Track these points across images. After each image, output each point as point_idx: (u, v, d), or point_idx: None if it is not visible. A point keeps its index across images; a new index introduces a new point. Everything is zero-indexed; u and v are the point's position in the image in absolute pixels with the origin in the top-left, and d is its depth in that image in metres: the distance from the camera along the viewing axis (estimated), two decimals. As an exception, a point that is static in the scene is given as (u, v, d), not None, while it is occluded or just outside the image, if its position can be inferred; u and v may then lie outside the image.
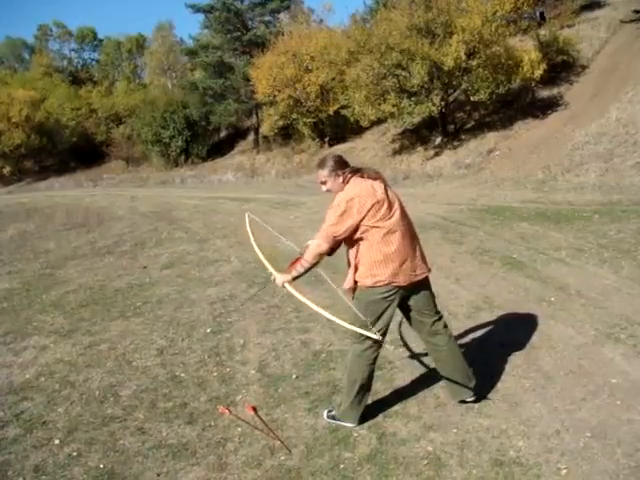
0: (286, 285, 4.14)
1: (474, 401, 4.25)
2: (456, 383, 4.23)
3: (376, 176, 4.07)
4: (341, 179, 4.00)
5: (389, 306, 3.98)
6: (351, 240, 3.95)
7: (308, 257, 3.96)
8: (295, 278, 4.08)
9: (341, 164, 4.05)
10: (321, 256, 3.96)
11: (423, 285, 4.13)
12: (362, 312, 3.92)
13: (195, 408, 4.61)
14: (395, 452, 3.75)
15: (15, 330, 7.16)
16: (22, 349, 6.45)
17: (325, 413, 4.25)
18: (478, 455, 3.64)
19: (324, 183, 4.08)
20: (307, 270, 4.02)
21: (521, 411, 4.11)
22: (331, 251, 3.99)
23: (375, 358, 4.12)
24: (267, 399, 4.63)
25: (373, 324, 3.91)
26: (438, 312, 4.25)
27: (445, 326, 4.24)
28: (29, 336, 6.88)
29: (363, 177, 4.02)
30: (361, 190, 3.90)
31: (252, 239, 4.98)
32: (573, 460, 3.52)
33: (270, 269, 4.32)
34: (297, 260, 4.12)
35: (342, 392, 4.25)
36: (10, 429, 4.56)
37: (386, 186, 4.06)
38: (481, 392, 4.32)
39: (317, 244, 3.92)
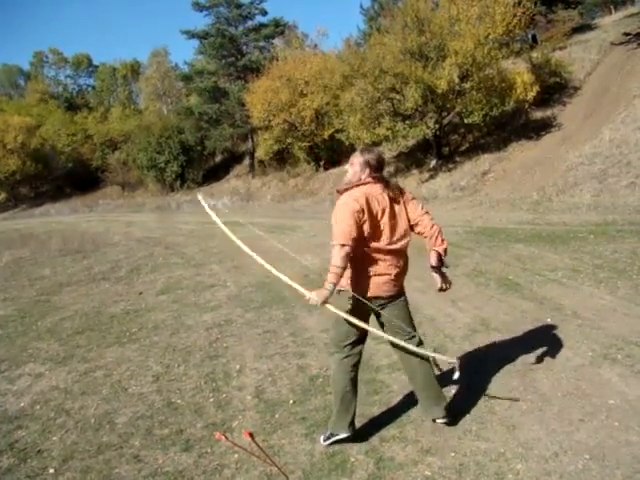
0: (327, 306, 3.94)
1: (446, 423, 4.22)
2: (426, 400, 4.24)
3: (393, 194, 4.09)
4: (364, 175, 4.03)
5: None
6: None
7: (333, 261, 3.85)
8: (332, 292, 3.88)
9: (372, 162, 4.06)
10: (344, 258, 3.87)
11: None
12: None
13: (191, 435, 4.57)
14: (393, 477, 3.72)
15: (10, 357, 7.11)
16: (17, 377, 6.40)
17: (321, 438, 4.22)
18: (476, 479, 3.61)
19: (350, 166, 4.13)
20: (336, 275, 3.85)
21: (519, 434, 4.09)
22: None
23: (355, 365, 4.14)
24: (264, 425, 4.60)
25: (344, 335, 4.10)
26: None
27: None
28: (24, 363, 6.84)
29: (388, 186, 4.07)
30: (354, 194, 3.98)
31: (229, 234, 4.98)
32: (572, 483, 3.50)
33: (301, 290, 4.09)
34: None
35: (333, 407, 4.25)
36: (4, 458, 4.51)
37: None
38: (454, 415, 4.29)
39: (334, 248, 3.87)
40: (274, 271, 4.40)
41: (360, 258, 3.94)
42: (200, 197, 5.15)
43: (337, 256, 3.81)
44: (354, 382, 4.16)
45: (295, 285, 4.19)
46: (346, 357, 4.09)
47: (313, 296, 3.86)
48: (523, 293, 7.61)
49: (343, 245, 3.80)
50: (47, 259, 15.81)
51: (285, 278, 4.30)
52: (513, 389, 4.77)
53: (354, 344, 4.11)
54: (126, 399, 5.42)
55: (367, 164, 4.03)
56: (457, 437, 4.13)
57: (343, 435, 4.12)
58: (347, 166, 4.15)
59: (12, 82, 76.95)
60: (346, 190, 4.03)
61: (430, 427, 4.30)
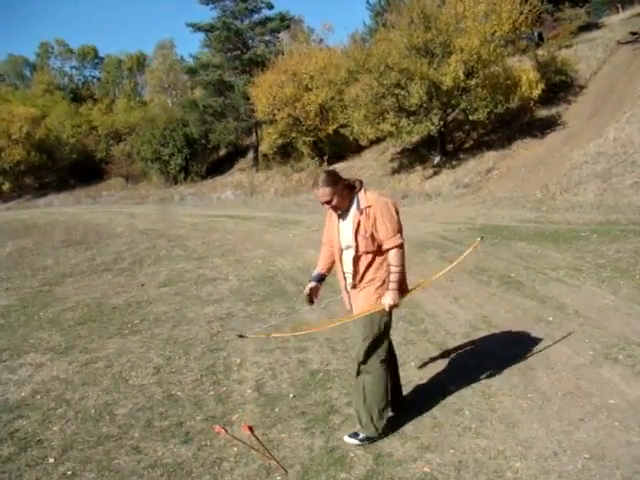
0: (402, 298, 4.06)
1: (361, 441, 4.09)
2: (357, 413, 4.18)
3: None
4: (347, 191, 3.96)
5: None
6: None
7: (398, 262, 3.97)
8: (401, 290, 4.02)
9: (338, 175, 3.99)
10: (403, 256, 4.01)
11: None
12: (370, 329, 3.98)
13: (191, 427, 4.57)
14: (391, 473, 3.71)
15: (12, 347, 7.13)
16: (18, 366, 6.41)
17: (353, 440, 4.10)
18: (475, 476, 3.61)
19: (329, 201, 3.94)
20: (403, 274, 4.03)
21: (518, 432, 4.08)
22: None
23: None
24: (263, 419, 4.60)
25: (385, 343, 4.06)
26: None
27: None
28: (25, 353, 6.85)
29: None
30: (382, 194, 4.09)
31: None
32: (571, 482, 3.50)
33: (372, 309, 3.99)
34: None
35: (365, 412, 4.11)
36: (4, 447, 4.52)
37: None
38: (372, 438, 4.13)
39: (397, 248, 3.97)
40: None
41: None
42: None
43: (400, 257, 3.99)
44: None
45: (373, 309, 4.01)
46: (387, 365, 4.10)
47: (389, 300, 3.93)
48: (525, 291, 7.60)
49: (402, 244, 3.96)
50: (50, 250, 15.83)
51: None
52: (513, 387, 4.76)
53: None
54: (126, 390, 5.43)
55: (336, 182, 3.91)
56: (456, 434, 4.13)
57: (375, 435, 4.11)
58: (327, 206, 4.01)
59: (18, 73, 76.97)
60: (364, 192, 4.02)
61: (430, 424, 4.30)
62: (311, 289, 4.20)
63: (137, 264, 12.33)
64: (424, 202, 20.14)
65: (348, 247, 4.03)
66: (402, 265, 3.96)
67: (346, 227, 4.02)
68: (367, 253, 3.96)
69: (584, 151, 17.93)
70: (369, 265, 3.99)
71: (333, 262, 4.26)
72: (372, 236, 3.91)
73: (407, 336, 6.21)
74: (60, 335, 7.49)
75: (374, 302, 3.97)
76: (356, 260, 4.00)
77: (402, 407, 4.46)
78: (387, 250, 3.93)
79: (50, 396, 5.46)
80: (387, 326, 4.05)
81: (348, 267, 4.06)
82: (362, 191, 3.98)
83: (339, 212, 4.04)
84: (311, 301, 4.24)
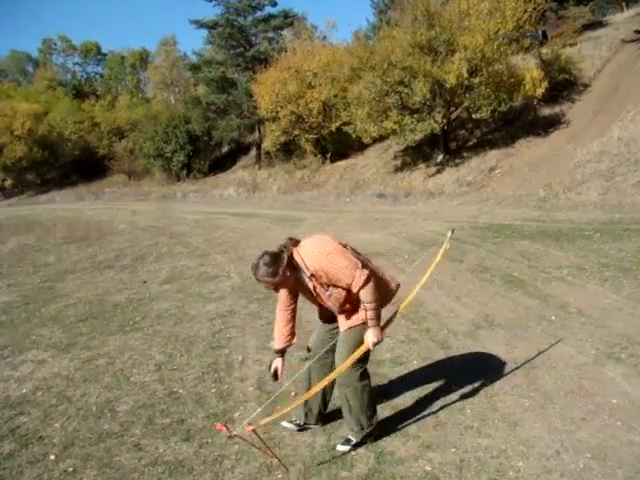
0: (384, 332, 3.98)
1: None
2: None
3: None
4: (289, 271, 3.75)
5: None
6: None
7: (369, 298, 3.72)
8: (379, 324, 3.85)
9: (277, 258, 3.72)
10: (375, 289, 3.76)
11: None
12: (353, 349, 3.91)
13: (192, 425, 4.57)
14: (393, 471, 3.71)
15: (13, 344, 7.13)
16: (20, 363, 6.41)
17: (344, 447, 4.07)
18: (477, 475, 3.60)
19: (275, 289, 3.90)
20: (378, 309, 3.82)
21: (520, 431, 4.08)
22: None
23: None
24: (265, 417, 4.59)
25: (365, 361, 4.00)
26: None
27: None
28: (27, 350, 6.85)
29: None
30: (318, 241, 3.86)
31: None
32: (573, 482, 3.49)
33: (362, 350, 3.90)
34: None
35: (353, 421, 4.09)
36: (5, 444, 4.52)
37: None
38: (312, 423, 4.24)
39: (366, 285, 3.68)
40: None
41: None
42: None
43: (371, 292, 3.72)
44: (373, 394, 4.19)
45: (357, 353, 3.93)
46: (366, 375, 4.07)
47: (371, 337, 3.81)
48: (528, 290, 7.59)
49: (366, 281, 3.69)
50: (52, 246, 15.83)
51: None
52: (516, 386, 4.76)
53: None
54: (128, 387, 5.42)
55: (276, 269, 3.70)
56: (458, 433, 4.12)
57: (368, 440, 4.09)
58: (273, 288, 3.89)
59: (21, 69, 76.99)
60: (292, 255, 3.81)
61: (432, 422, 4.29)
62: (276, 368, 4.17)
63: (139, 261, 12.33)
64: (427, 200, 20.14)
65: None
66: (375, 300, 3.74)
67: (308, 290, 3.92)
68: (341, 299, 3.84)
69: (588, 150, 17.89)
70: (348, 299, 3.86)
71: (292, 331, 4.17)
72: (336, 286, 3.78)
73: (409, 334, 6.21)
74: (61, 332, 7.49)
75: (360, 320, 3.89)
76: (336, 308, 3.95)
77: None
78: (357, 291, 3.73)
79: (51, 393, 5.45)
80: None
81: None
82: (303, 255, 3.76)
83: (292, 287, 3.99)
84: (276, 377, 4.20)
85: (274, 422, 4.39)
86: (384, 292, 3.94)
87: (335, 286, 3.75)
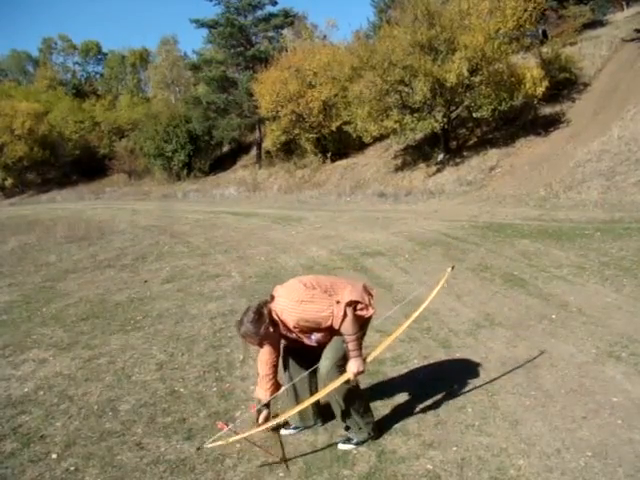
0: (369, 359, 4.06)
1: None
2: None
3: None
4: (272, 327, 3.83)
5: None
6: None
7: (351, 330, 3.72)
8: (361, 354, 3.85)
9: (260, 315, 3.81)
10: (357, 320, 3.78)
11: None
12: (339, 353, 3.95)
13: (194, 423, 4.58)
14: (394, 470, 3.72)
15: (14, 343, 7.13)
16: (21, 362, 6.42)
17: (344, 445, 4.10)
18: (478, 474, 3.61)
19: (261, 343, 3.96)
20: (360, 339, 3.83)
21: (521, 429, 4.09)
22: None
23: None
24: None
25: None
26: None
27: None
28: (28, 349, 6.86)
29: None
30: (288, 292, 3.88)
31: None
32: (574, 480, 3.50)
33: (339, 382, 3.92)
34: None
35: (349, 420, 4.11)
36: (7, 443, 4.52)
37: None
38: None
39: (348, 317, 3.71)
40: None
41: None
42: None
43: (351, 324, 3.73)
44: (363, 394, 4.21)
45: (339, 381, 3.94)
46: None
47: (353, 367, 3.80)
48: (528, 289, 7.60)
49: (347, 314, 3.71)
50: (53, 245, 15.83)
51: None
52: (517, 385, 4.77)
53: None
54: (129, 387, 5.43)
55: (258, 327, 3.79)
56: (459, 431, 4.13)
57: (368, 439, 4.10)
58: (257, 344, 3.99)
59: (21, 68, 76.92)
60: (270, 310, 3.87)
61: (433, 421, 4.30)
62: (264, 417, 4.19)
63: (140, 260, 12.33)
64: (427, 200, 20.14)
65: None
66: (356, 332, 3.75)
67: (294, 339, 4.00)
68: (328, 336, 3.92)
69: (588, 149, 17.90)
70: (333, 334, 3.91)
71: (276, 384, 4.20)
72: (319, 330, 3.85)
73: (410, 333, 6.21)
74: (63, 331, 7.49)
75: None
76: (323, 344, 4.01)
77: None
78: (339, 327, 3.74)
79: (53, 392, 5.46)
80: None
81: None
82: (279, 311, 3.81)
83: (277, 339, 4.05)
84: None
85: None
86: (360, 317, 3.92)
87: (318, 330, 3.83)
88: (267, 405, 4.21)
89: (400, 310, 5.61)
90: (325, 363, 3.96)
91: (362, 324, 3.90)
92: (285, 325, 3.84)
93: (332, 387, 3.86)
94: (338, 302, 3.73)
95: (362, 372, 3.86)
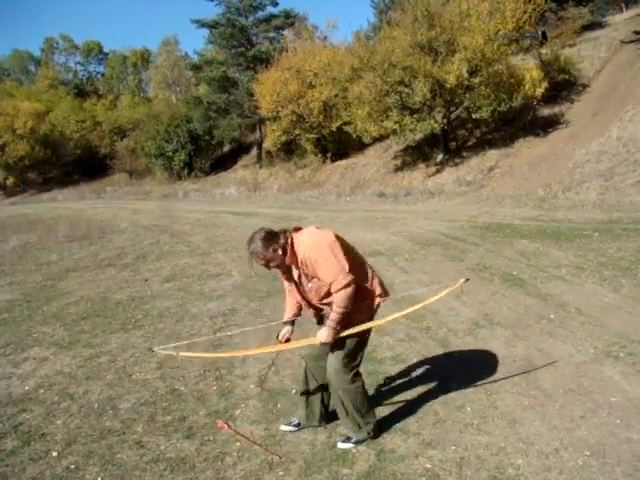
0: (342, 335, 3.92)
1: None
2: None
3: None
4: (281, 251, 3.79)
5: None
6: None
7: (342, 303, 3.72)
8: (337, 330, 3.83)
9: (273, 235, 3.83)
10: (352, 298, 3.76)
11: None
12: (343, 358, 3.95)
13: (194, 422, 4.59)
14: (393, 469, 3.74)
15: (15, 341, 7.16)
16: (22, 360, 6.44)
17: (342, 444, 4.11)
18: (477, 473, 3.63)
19: (265, 265, 3.88)
20: (344, 315, 3.79)
21: (520, 429, 4.10)
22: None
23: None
24: (266, 414, 4.62)
25: (358, 359, 4.03)
26: None
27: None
28: (29, 347, 6.88)
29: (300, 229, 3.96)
30: (316, 233, 3.89)
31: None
32: (572, 479, 3.51)
33: (309, 342, 4.04)
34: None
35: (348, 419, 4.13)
36: (8, 441, 4.54)
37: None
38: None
39: (345, 290, 3.68)
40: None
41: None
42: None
43: (346, 298, 3.73)
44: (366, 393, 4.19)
45: (303, 342, 4.08)
46: (359, 375, 4.08)
47: (321, 335, 3.84)
48: (527, 289, 7.62)
49: (349, 284, 3.70)
50: (54, 244, 15.85)
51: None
52: (515, 384, 4.78)
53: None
54: (130, 385, 5.45)
55: (269, 244, 3.79)
56: (458, 431, 4.15)
57: (367, 438, 4.11)
58: (269, 269, 3.96)
59: (22, 68, 76.99)
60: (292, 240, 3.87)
61: (432, 420, 4.32)
62: (283, 335, 4.23)
63: (141, 259, 12.35)
64: (427, 200, 20.16)
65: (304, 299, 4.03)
66: (346, 307, 3.74)
67: (293, 279, 3.99)
68: (321, 293, 3.85)
69: (587, 150, 17.92)
70: (327, 296, 3.85)
71: (299, 307, 4.19)
72: (318, 280, 3.81)
73: (409, 333, 6.23)
74: (64, 330, 7.51)
75: (345, 330, 3.88)
76: (315, 307, 4.03)
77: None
78: (335, 292, 3.73)
79: (54, 390, 5.48)
80: (358, 346, 4.00)
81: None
82: (297, 242, 3.82)
83: (284, 270, 3.98)
84: (277, 338, 4.27)
85: (276, 419, 4.43)
86: (363, 303, 3.92)
87: (318, 280, 3.79)
88: (290, 324, 4.22)
89: (394, 306, 5.63)
90: (331, 360, 3.98)
91: (362, 307, 3.91)
92: (294, 258, 3.82)
93: (296, 346, 4.06)
94: (349, 272, 3.71)
95: (327, 344, 3.88)
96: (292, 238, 3.83)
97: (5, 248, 15.92)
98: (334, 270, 3.69)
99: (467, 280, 4.16)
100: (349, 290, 3.70)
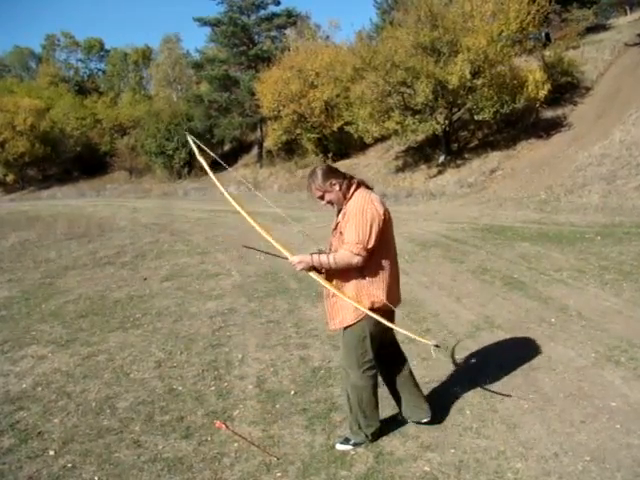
0: (311, 274, 3.92)
1: (428, 422, 4.17)
2: (413, 404, 4.20)
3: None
4: (339, 187, 3.84)
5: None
6: None
7: (339, 260, 3.72)
8: (314, 268, 3.87)
9: (334, 171, 3.92)
10: (349, 267, 3.74)
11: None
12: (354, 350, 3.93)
13: (192, 422, 4.57)
14: (392, 471, 3.71)
15: (13, 339, 7.14)
16: (20, 358, 6.42)
17: (340, 445, 4.08)
18: (475, 476, 3.60)
19: (321, 197, 3.91)
20: (327, 269, 3.84)
21: (519, 433, 4.08)
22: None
23: (376, 374, 4.07)
24: (264, 415, 4.60)
25: (367, 355, 3.95)
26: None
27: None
28: (27, 345, 6.86)
29: (369, 189, 3.99)
30: (372, 201, 3.82)
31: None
32: (571, 484, 3.49)
33: (284, 253, 3.96)
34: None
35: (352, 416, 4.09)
36: (5, 439, 4.52)
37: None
38: (434, 415, 4.22)
39: (351, 256, 3.67)
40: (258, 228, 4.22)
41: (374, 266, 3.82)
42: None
43: (345, 260, 3.71)
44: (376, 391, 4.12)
45: (278, 246, 4.00)
46: (371, 374, 4.00)
47: (296, 259, 3.86)
48: (528, 292, 7.59)
49: (356, 256, 3.67)
50: (53, 242, 15.83)
51: (266, 235, 4.13)
52: (515, 388, 4.76)
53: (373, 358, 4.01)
54: (128, 384, 5.43)
55: (328, 177, 3.87)
56: (457, 434, 4.12)
57: (366, 441, 4.07)
58: (322, 202, 3.97)
59: (23, 64, 77.02)
60: (356, 188, 3.89)
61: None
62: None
63: (140, 258, 12.33)
64: (428, 201, 20.15)
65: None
66: (336, 264, 3.73)
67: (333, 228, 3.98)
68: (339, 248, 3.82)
69: (589, 153, 17.90)
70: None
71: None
72: (341, 237, 3.81)
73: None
74: (62, 328, 7.49)
75: (356, 316, 3.85)
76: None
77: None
78: (343, 250, 3.72)
79: (51, 388, 5.46)
80: (370, 336, 3.91)
81: None
82: (354, 194, 3.85)
83: (335, 208, 3.98)
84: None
85: (274, 421, 4.40)
86: (378, 278, 3.85)
87: (341, 234, 3.80)
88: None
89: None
90: (341, 353, 4.04)
91: (369, 290, 3.82)
92: (342, 197, 3.86)
93: (283, 251, 3.95)
94: (367, 250, 3.69)
95: (296, 268, 3.90)
96: (355, 186, 3.89)
97: (4, 245, 15.91)
98: (358, 238, 3.67)
99: (437, 347, 3.97)
100: (353, 259, 3.68)
